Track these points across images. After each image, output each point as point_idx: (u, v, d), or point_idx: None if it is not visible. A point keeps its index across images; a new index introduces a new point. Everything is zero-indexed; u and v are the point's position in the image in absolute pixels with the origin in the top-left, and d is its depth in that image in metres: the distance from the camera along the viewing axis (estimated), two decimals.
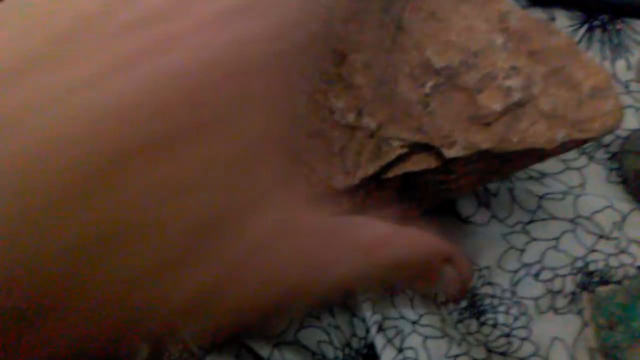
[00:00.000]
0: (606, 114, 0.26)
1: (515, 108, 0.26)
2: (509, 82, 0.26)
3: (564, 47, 0.27)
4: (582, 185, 0.33)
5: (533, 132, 0.26)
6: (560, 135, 0.26)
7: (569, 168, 0.34)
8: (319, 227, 0.17)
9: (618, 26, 0.38)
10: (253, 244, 0.15)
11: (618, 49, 0.37)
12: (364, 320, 0.32)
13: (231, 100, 0.14)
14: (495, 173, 0.29)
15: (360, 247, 0.18)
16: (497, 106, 0.26)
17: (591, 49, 0.37)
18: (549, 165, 0.34)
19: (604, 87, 0.27)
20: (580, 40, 0.38)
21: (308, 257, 0.17)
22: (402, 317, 0.32)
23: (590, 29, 0.38)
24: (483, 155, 0.26)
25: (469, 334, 0.32)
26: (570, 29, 0.38)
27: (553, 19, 0.38)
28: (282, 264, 0.16)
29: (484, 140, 0.26)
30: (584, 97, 0.27)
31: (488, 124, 0.26)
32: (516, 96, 0.26)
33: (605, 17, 0.38)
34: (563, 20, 0.38)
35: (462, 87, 0.27)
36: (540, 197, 0.33)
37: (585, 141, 0.27)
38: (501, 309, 0.32)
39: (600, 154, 0.34)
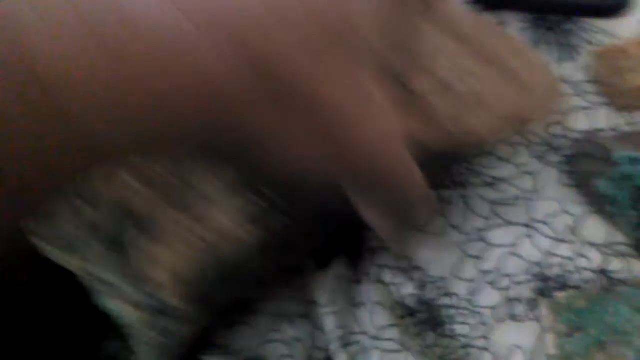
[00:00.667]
0: (544, 99, 0.27)
1: (461, 106, 0.26)
2: (456, 83, 0.26)
3: (510, 46, 0.27)
4: (536, 189, 0.33)
5: (479, 126, 0.26)
6: (504, 125, 0.27)
7: (522, 173, 0.33)
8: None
9: (567, 27, 0.37)
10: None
11: (568, 50, 0.37)
12: (324, 331, 0.31)
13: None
14: (443, 170, 0.28)
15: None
16: (444, 106, 0.26)
17: (545, 52, 0.37)
18: (502, 170, 0.33)
19: (548, 80, 0.27)
20: (530, 43, 0.37)
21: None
22: (364, 332, 0.31)
23: (540, 31, 0.38)
24: (431, 155, 0.26)
25: (428, 347, 0.31)
26: (520, 31, 0.38)
27: (502, 23, 0.38)
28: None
29: (432, 139, 0.26)
30: (526, 89, 0.27)
31: (436, 124, 0.26)
32: (462, 94, 0.26)
33: (554, 18, 0.38)
34: (513, 23, 0.38)
35: (413, 91, 0.26)
36: (495, 203, 0.33)
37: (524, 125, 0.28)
38: (459, 319, 0.31)
39: (553, 157, 0.33)
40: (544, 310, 0.31)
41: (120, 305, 0.27)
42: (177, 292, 0.25)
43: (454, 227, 0.32)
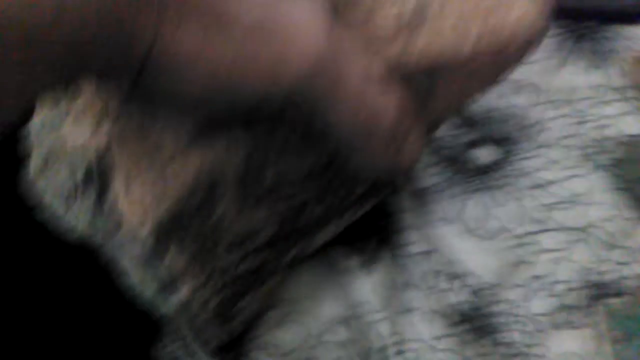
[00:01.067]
0: (520, 12, 0.26)
1: (414, 20, 0.25)
2: (426, 12, 0.26)
3: None
4: (589, 192, 0.32)
5: (439, 38, 0.25)
6: (471, 37, 0.26)
7: (574, 176, 0.33)
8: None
9: (607, 33, 0.37)
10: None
11: (602, 56, 0.37)
12: (379, 336, 0.30)
13: None
14: (426, 100, 0.27)
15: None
16: (392, 22, 0.25)
17: (582, 58, 0.37)
18: (554, 173, 0.33)
19: (526, 16, 0.26)
20: (570, 50, 0.37)
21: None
22: (421, 340, 0.30)
23: (579, 38, 0.37)
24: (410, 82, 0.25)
25: (483, 355, 0.30)
26: (559, 38, 0.37)
27: None
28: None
29: (405, 65, 0.25)
30: (491, 4, 0.26)
31: (388, 41, 0.25)
32: (412, 9, 0.25)
33: (592, 24, 0.38)
34: (551, 29, 0.38)
35: (380, 25, 0.25)
36: (549, 206, 0.32)
37: (505, 50, 0.26)
38: (515, 326, 0.30)
39: (604, 161, 0.33)
40: (599, 316, 0.30)
41: (132, 270, 0.27)
42: (153, 231, 0.24)
43: (508, 230, 0.32)
